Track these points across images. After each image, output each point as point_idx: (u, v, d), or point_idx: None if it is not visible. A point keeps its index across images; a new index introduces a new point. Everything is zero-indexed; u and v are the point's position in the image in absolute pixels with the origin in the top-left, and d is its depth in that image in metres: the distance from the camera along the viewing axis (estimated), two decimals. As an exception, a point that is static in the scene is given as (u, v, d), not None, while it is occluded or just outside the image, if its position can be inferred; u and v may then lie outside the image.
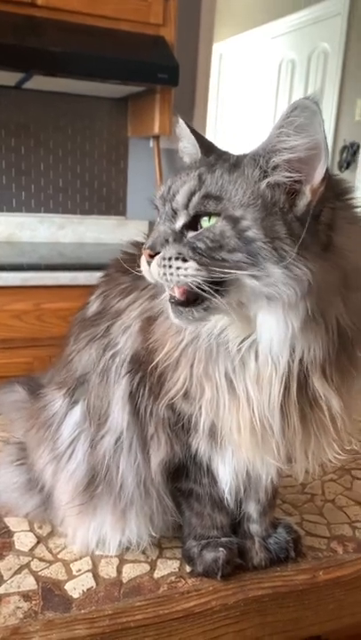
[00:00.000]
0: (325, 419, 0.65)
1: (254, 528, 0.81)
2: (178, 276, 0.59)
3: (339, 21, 3.78)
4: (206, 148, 0.68)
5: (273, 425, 0.64)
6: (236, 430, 0.66)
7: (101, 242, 2.73)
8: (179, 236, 0.61)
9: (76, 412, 0.79)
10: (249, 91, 4.85)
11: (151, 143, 2.72)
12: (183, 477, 0.76)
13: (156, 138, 2.65)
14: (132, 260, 0.79)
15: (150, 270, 0.62)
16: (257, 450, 0.66)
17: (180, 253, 0.60)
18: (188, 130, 0.69)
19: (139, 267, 0.67)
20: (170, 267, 0.60)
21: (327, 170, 0.57)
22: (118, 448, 0.75)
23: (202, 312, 0.61)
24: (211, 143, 0.70)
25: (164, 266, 0.60)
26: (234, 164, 0.61)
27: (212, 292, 0.58)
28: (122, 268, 0.81)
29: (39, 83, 2.29)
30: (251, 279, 0.58)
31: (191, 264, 0.59)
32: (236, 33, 4.93)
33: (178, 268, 0.59)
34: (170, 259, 0.60)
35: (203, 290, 0.58)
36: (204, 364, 0.65)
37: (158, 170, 2.69)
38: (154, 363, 0.68)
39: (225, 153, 0.66)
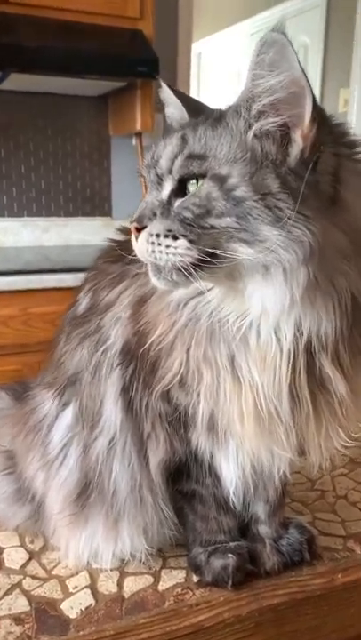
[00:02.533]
0: (334, 402, 0.59)
1: (264, 530, 0.74)
2: (167, 254, 0.55)
3: (318, 14, 3.76)
4: (194, 109, 0.62)
5: (280, 410, 0.58)
6: (238, 419, 0.60)
7: (88, 244, 2.66)
8: (167, 209, 0.56)
9: (68, 415, 0.73)
10: (229, 89, 4.81)
11: (134, 141, 2.66)
12: (185, 478, 0.70)
13: (139, 135, 2.59)
14: (121, 247, 0.74)
15: (138, 246, 0.57)
16: (262, 440, 0.60)
17: (169, 230, 0.55)
18: (172, 93, 0.63)
19: (129, 253, 0.62)
20: (159, 244, 0.55)
21: (317, 109, 0.51)
22: (111, 450, 0.69)
23: (182, 277, 0.55)
24: (199, 103, 0.64)
25: (152, 243, 0.55)
26: (217, 118, 0.56)
27: (196, 277, 0.54)
28: (110, 258, 0.75)
29: (16, 83, 2.22)
30: (244, 246, 0.52)
31: (181, 242, 0.54)
32: (215, 31, 4.90)
33: (167, 247, 0.54)
34: (158, 235, 0.55)
35: (188, 272, 0.54)
36: (203, 347, 0.59)
37: (142, 168, 2.63)
38: (146, 346, 0.62)
39: (214, 110, 0.60)
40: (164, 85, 0.64)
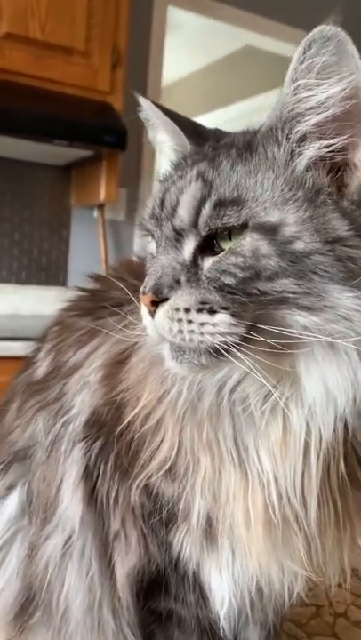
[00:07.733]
0: None
1: (257, 664, 0.58)
2: (202, 334, 0.41)
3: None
4: (192, 132, 0.50)
5: (301, 514, 0.44)
6: (243, 523, 0.45)
7: (40, 313, 2.49)
8: (193, 273, 0.42)
9: (12, 503, 0.58)
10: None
11: (95, 213, 2.61)
12: (161, 594, 0.54)
13: (101, 208, 2.55)
14: (94, 297, 0.62)
15: (155, 324, 0.42)
16: (273, 552, 0.46)
17: (203, 302, 0.41)
18: (159, 112, 0.51)
19: (105, 306, 0.53)
20: (189, 322, 0.41)
21: None
22: (67, 554, 0.53)
23: (214, 359, 0.41)
24: (195, 124, 0.53)
25: (179, 320, 0.41)
26: (245, 146, 0.44)
27: (237, 357, 0.40)
28: (78, 310, 0.63)
29: (-22, 145, 2.15)
30: (305, 314, 0.39)
31: (222, 317, 0.40)
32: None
33: (202, 324, 0.41)
34: (187, 310, 0.41)
35: (226, 351, 0.40)
36: (205, 429, 0.45)
37: (103, 241, 2.56)
38: (125, 423, 0.48)
39: (222, 134, 0.50)
40: (144, 101, 0.51)
